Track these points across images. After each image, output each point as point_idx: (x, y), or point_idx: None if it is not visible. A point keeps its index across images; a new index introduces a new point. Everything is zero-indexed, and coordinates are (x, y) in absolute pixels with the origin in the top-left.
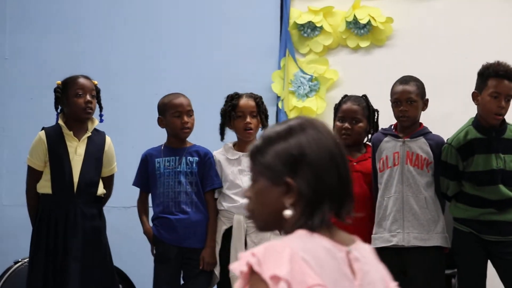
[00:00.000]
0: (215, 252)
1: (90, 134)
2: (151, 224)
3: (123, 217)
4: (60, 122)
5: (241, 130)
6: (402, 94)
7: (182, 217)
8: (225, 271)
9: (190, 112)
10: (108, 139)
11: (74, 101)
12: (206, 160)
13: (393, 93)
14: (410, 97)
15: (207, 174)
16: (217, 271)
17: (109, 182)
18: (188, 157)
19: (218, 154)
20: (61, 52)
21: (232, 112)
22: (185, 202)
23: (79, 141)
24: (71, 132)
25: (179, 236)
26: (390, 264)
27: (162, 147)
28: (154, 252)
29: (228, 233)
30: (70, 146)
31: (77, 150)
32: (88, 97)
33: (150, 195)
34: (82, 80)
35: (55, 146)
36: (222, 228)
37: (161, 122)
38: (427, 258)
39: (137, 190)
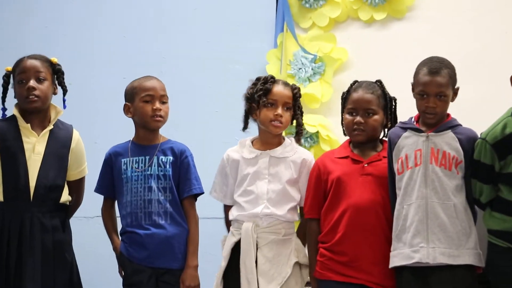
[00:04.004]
0: (197, 273)
1: (51, 127)
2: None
3: (86, 229)
4: (15, 112)
5: (268, 121)
6: (431, 87)
7: (154, 231)
8: None
9: (163, 98)
10: (75, 134)
11: (17, 89)
12: (183, 160)
13: (419, 82)
14: (441, 91)
15: (184, 176)
16: None
17: (77, 187)
18: (161, 157)
19: (233, 152)
20: (11, 28)
21: (263, 98)
22: (158, 213)
23: (38, 136)
24: (29, 125)
25: (151, 254)
26: (412, 286)
27: (129, 144)
28: (123, 274)
29: (238, 247)
30: (27, 142)
31: (35, 147)
32: (31, 83)
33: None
34: (25, 63)
35: (9, 142)
36: (231, 241)
37: (128, 110)
38: (457, 279)
39: (101, 197)
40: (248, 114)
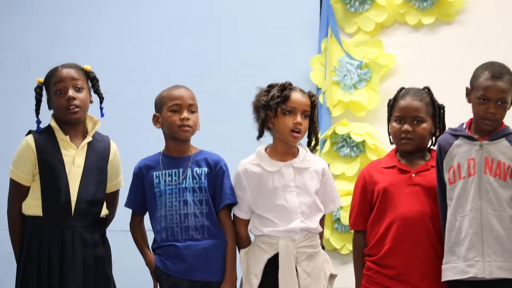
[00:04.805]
0: (236, 286)
1: (91, 139)
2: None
3: (123, 243)
4: (53, 124)
5: (287, 130)
6: (493, 92)
7: (191, 243)
8: None
9: (192, 108)
10: (113, 146)
11: (54, 100)
12: (217, 170)
13: (479, 86)
14: (503, 97)
15: (219, 188)
16: None
17: (112, 200)
18: (195, 168)
19: (251, 164)
20: (43, 36)
21: (282, 105)
22: (195, 227)
23: (77, 148)
24: (67, 137)
25: (189, 266)
26: None
27: (160, 157)
28: None
29: (271, 263)
30: (66, 155)
31: (75, 160)
32: (70, 93)
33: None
34: (61, 72)
35: (47, 155)
36: (263, 258)
37: (157, 121)
38: None
39: None
40: (266, 121)
